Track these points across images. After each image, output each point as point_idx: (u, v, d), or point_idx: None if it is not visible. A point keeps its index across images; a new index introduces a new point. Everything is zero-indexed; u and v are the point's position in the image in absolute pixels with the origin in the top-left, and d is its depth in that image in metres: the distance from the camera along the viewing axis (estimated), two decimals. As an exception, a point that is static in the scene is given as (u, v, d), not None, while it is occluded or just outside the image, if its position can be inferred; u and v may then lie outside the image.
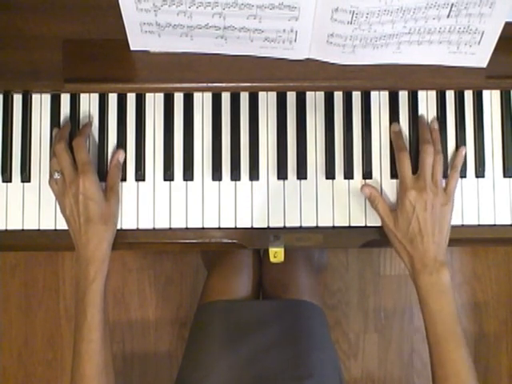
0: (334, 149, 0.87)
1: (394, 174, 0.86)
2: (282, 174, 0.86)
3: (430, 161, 0.82)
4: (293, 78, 0.84)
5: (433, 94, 0.88)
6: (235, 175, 0.86)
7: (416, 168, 0.83)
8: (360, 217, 0.86)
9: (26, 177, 0.87)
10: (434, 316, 0.77)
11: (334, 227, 0.86)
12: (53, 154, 0.84)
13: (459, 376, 0.74)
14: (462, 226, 0.86)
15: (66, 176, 0.81)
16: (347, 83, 0.85)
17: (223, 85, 0.85)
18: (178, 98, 0.88)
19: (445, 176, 0.85)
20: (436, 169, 0.82)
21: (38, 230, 0.86)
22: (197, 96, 0.88)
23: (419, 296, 0.78)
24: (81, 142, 0.83)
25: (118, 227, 0.85)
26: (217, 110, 0.87)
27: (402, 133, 0.87)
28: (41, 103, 0.88)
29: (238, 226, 0.86)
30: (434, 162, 0.82)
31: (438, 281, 0.77)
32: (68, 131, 0.86)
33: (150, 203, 0.86)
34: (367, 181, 0.87)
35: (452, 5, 0.74)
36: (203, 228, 0.86)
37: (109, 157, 0.87)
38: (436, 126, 0.86)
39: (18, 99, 0.88)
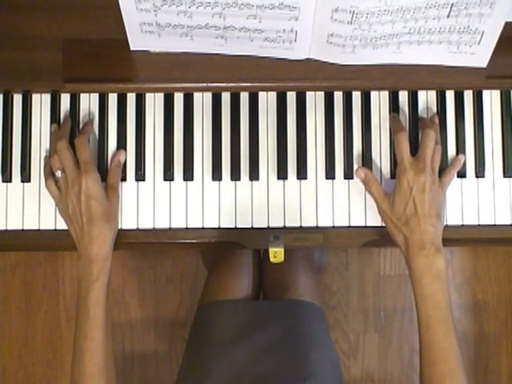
0: (334, 149, 0.87)
1: (393, 174, 0.86)
2: (282, 174, 0.86)
3: (432, 144, 0.82)
4: (293, 78, 0.84)
5: (433, 93, 0.88)
6: (235, 175, 0.86)
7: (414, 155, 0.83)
8: (360, 217, 0.86)
9: (25, 177, 0.86)
10: (426, 299, 0.76)
11: (333, 227, 0.86)
12: (54, 151, 0.84)
13: (449, 363, 0.73)
14: (462, 225, 0.86)
15: (68, 174, 0.81)
16: (347, 83, 0.85)
17: (223, 85, 0.85)
18: (178, 98, 0.88)
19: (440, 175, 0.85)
20: (434, 157, 0.82)
21: (38, 229, 0.86)
22: (197, 96, 0.88)
23: (412, 278, 0.78)
24: (83, 140, 0.83)
25: (118, 227, 0.85)
26: (217, 110, 0.87)
27: (399, 118, 0.86)
28: (41, 103, 0.88)
29: (238, 226, 0.86)
30: (433, 152, 0.82)
31: (433, 265, 0.76)
32: (69, 128, 0.86)
33: (149, 203, 0.86)
34: (367, 181, 0.87)
35: (452, 5, 0.74)
36: (203, 228, 0.86)
37: (109, 157, 0.87)
38: (436, 119, 0.86)
39: (18, 99, 0.88)
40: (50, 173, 0.85)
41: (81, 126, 0.87)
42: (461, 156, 0.86)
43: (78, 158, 0.82)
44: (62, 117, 0.88)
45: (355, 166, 0.87)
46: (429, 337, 0.75)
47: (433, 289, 0.76)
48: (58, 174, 0.82)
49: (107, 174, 0.85)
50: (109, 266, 0.80)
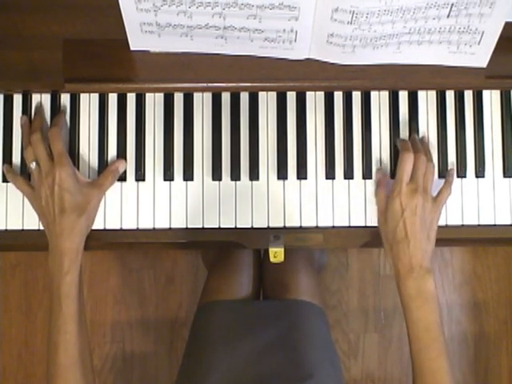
0: (334, 149, 0.87)
1: (393, 175, 0.86)
2: (282, 174, 0.86)
3: (423, 167, 0.81)
4: (293, 78, 0.84)
5: (433, 93, 0.88)
6: (235, 175, 0.86)
7: None
8: (360, 217, 0.86)
9: (25, 177, 0.86)
10: (417, 322, 0.77)
11: (333, 227, 0.86)
12: (27, 143, 0.83)
13: None
14: (462, 226, 0.86)
15: (42, 167, 0.81)
16: (347, 83, 0.85)
17: (223, 85, 0.85)
18: (178, 98, 0.88)
19: (442, 176, 0.85)
20: (427, 177, 0.81)
21: (38, 230, 0.86)
22: (197, 96, 0.88)
23: (402, 301, 0.78)
24: (56, 132, 0.83)
25: (118, 227, 0.86)
26: (217, 110, 0.87)
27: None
28: (41, 103, 0.88)
29: (238, 226, 0.86)
30: (426, 171, 0.82)
31: (422, 287, 0.77)
32: (41, 121, 0.86)
33: (149, 203, 0.86)
34: (367, 181, 0.87)
35: (452, 5, 0.74)
36: (203, 228, 0.86)
37: (109, 157, 0.87)
38: (425, 140, 0.87)
39: (17, 99, 0.88)
40: (16, 173, 0.86)
41: (81, 126, 0.87)
42: (450, 170, 0.86)
43: (52, 151, 0.82)
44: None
45: (355, 166, 0.87)
46: (420, 360, 0.76)
47: (423, 312, 0.76)
48: (33, 166, 0.82)
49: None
50: (79, 260, 0.79)
